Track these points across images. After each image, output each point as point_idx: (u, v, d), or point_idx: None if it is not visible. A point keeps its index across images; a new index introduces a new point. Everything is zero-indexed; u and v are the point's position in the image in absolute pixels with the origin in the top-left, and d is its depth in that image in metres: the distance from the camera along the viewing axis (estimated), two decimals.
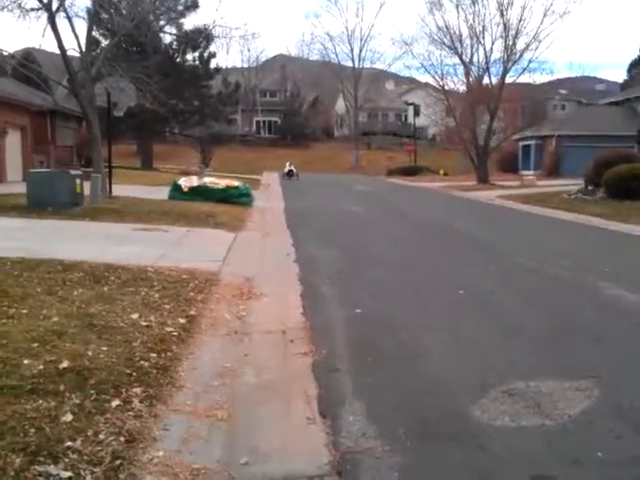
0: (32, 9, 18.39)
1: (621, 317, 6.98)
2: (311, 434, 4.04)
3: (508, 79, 39.95)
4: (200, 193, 19.91)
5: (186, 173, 29.68)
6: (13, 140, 25.78)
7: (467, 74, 41.98)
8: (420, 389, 4.80)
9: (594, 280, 8.91)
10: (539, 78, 42.63)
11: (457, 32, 40.85)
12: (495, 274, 9.57)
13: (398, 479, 3.48)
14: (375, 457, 3.70)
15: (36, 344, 4.89)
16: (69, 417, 3.72)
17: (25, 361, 4.51)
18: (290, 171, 39.87)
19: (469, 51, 41.05)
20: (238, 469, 3.56)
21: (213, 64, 43.10)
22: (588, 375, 4.96)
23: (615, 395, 4.62)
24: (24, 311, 5.83)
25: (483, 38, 40.29)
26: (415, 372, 5.17)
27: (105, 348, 4.94)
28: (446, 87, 42.38)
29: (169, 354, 5.07)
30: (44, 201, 14.44)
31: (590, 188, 24.79)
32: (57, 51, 19.12)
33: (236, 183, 21.56)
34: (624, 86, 61.81)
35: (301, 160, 37.87)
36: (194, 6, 35.70)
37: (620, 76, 69.40)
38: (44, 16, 18.29)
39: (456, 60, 42.18)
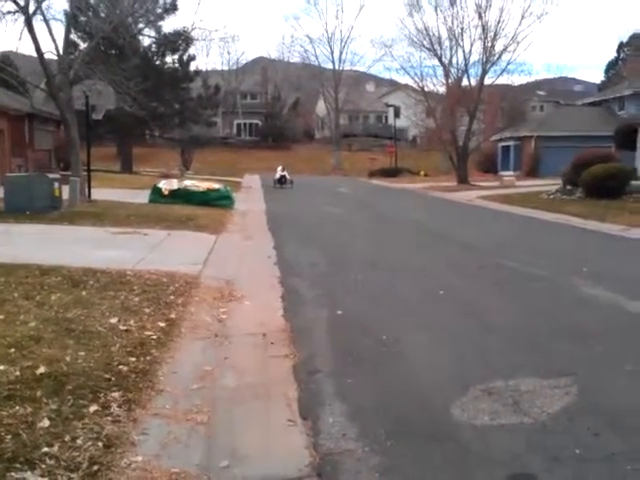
0: (9, 12, 18.16)
1: (598, 316, 7.06)
2: (291, 436, 4.04)
3: (487, 80, 40.22)
4: (180, 196, 19.83)
5: (166, 176, 29.52)
6: None
7: (446, 76, 42.19)
8: (400, 389, 4.82)
9: (572, 279, 9.00)
10: (518, 79, 43.10)
11: (436, 34, 41.06)
12: (475, 274, 9.62)
13: None
14: (355, 458, 3.71)
15: (13, 350, 4.84)
16: (46, 423, 3.69)
17: (1, 367, 4.46)
18: (282, 177, 32.74)
19: (448, 53, 41.31)
20: (218, 472, 3.55)
21: (193, 67, 42.87)
22: (566, 373, 5.01)
23: (593, 393, 4.67)
24: (1, 316, 5.77)
25: (462, 40, 40.56)
26: (395, 373, 5.18)
27: (83, 353, 4.90)
28: (426, 89, 42.61)
29: (148, 358, 5.04)
30: (22, 205, 14.29)
31: (568, 188, 25.05)
32: (34, 54, 18.92)
33: (217, 186, 21.50)
34: (601, 87, 62.58)
35: (282, 162, 36.95)
36: (173, 9, 35.64)
37: (598, 77, 70.27)
38: (21, 19, 18.07)
39: (435, 62, 42.43)
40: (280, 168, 33.45)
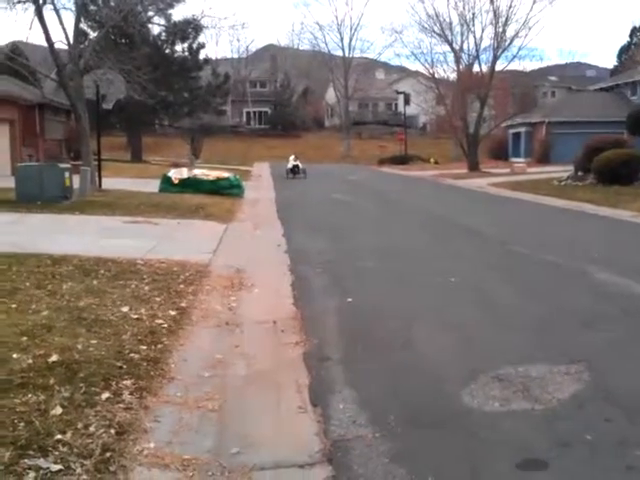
0: (19, 1, 18.24)
1: (610, 301, 7.01)
2: (302, 423, 4.05)
3: (498, 66, 39.98)
4: (190, 185, 19.86)
5: (176, 165, 29.57)
6: (1, 134, 25.58)
7: (457, 62, 41.92)
8: (410, 376, 4.82)
9: (584, 265, 8.94)
10: (529, 65, 42.85)
11: (447, 20, 40.84)
12: (486, 261, 9.60)
13: (389, 466, 3.50)
14: (366, 444, 3.72)
15: (25, 338, 4.88)
16: (59, 410, 3.72)
17: (14, 355, 4.50)
18: (295, 167, 30.93)
19: (459, 39, 41.07)
20: (229, 459, 3.56)
21: (202, 55, 42.94)
22: (577, 359, 4.98)
23: (604, 379, 4.65)
24: (13, 305, 5.81)
25: (473, 25, 40.27)
26: (405, 359, 5.18)
27: (95, 341, 4.94)
28: (436, 75, 42.37)
29: (159, 346, 5.07)
30: (33, 195, 14.38)
31: (580, 174, 24.85)
32: (45, 44, 19.00)
33: (226, 174, 21.52)
34: (614, 72, 61.91)
35: (292, 150, 36.69)
36: None
37: (610, 62, 69.52)
38: (31, 8, 18.17)
39: (446, 48, 42.26)
40: (292, 157, 31.89)
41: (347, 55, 67.20)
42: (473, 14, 39.92)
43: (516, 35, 39.12)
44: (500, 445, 3.71)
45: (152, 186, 20.03)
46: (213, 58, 53.32)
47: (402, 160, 50.24)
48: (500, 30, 38.97)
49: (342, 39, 67.43)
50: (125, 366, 4.51)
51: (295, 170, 30.93)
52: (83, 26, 30.00)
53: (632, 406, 4.17)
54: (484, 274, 8.61)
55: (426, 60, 42.78)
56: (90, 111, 20.28)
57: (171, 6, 34.37)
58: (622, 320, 6.29)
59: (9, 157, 25.73)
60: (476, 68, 41.37)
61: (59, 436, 3.44)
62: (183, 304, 6.43)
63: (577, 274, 8.54)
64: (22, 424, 3.53)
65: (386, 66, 76.00)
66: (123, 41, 32.92)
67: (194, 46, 41.31)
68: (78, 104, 19.51)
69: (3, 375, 4.14)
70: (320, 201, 20.19)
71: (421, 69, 46.11)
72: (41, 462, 3.20)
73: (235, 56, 76.06)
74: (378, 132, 69.14)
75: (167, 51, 40.71)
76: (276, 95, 71.15)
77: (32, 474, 3.10)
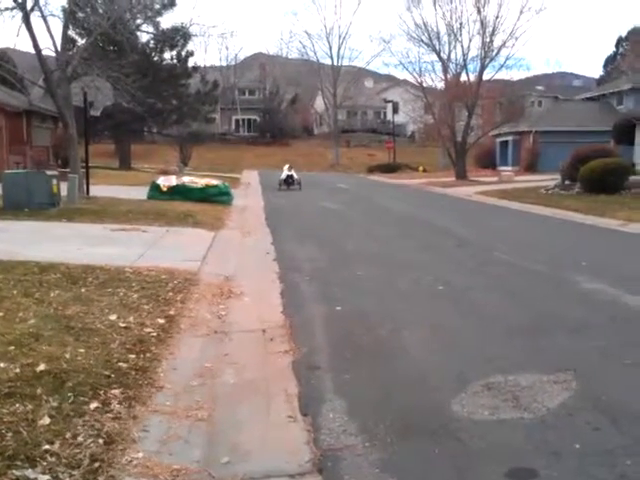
0: (6, 8, 18.11)
1: (598, 310, 7.06)
2: (292, 432, 4.04)
3: (485, 76, 40.13)
4: (179, 192, 19.80)
5: (165, 172, 29.46)
6: None
7: (445, 71, 42.07)
8: (400, 385, 4.82)
9: (571, 274, 9.00)
10: (516, 74, 42.98)
11: (435, 29, 40.91)
12: (474, 270, 9.63)
13: (379, 476, 3.49)
14: (356, 454, 3.71)
15: (12, 347, 4.83)
16: (47, 420, 3.69)
17: (1, 364, 4.45)
18: (289, 177, 29.00)
19: (447, 48, 41.12)
20: (219, 469, 3.55)
21: (191, 63, 42.69)
22: (566, 368, 5.01)
23: (592, 388, 4.67)
24: (0, 314, 5.76)
25: (460, 35, 40.39)
26: (395, 368, 5.18)
27: (83, 350, 4.90)
28: (424, 84, 42.47)
29: (148, 355, 5.04)
30: (20, 202, 14.28)
31: (567, 183, 25.06)
32: (32, 51, 18.86)
33: (215, 182, 21.47)
34: (600, 81, 62.52)
35: (281, 159, 36.75)
36: (171, 4, 35.39)
37: (596, 72, 70.17)
38: (19, 15, 18.01)
39: (434, 57, 42.24)
40: (287, 167, 29.89)
41: (336, 63, 67.38)
42: (460, 24, 40.11)
43: (503, 45, 39.33)
44: (490, 454, 3.71)
45: (140, 193, 19.94)
46: (202, 66, 53.15)
47: (391, 168, 50.44)
48: (487, 40, 39.21)
49: (331, 48, 67.60)
50: (113, 375, 4.48)
51: (289, 181, 29.07)
52: (71, 33, 29.83)
53: (620, 415, 4.18)
54: (472, 282, 8.64)
55: (414, 69, 42.87)
56: (78, 118, 20.17)
57: (159, 14, 34.34)
58: (610, 329, 6.33)
59: None
60: (464, 77, 41.56)
61: (47, 446, 3.41)
62: (172, 312, 6.40)
63: (566, 283, 8.58)
64: (10, 434, 3.49)
65: (375, 75, 76.30)
66: (111, 48, 32.79)
67: (183, 54, 41.17)
68: (66, 111, 19.39)
69: None
70: (309, 209, 20.20)
71: (409, 78, 46.28)
72: (29, 472, 3.17)
73: (224, 64, 76.14)
74: (367, 140, 69.44)
75: (156, 59, 40.55)
76: (265, 103, 71.26)
77: None
